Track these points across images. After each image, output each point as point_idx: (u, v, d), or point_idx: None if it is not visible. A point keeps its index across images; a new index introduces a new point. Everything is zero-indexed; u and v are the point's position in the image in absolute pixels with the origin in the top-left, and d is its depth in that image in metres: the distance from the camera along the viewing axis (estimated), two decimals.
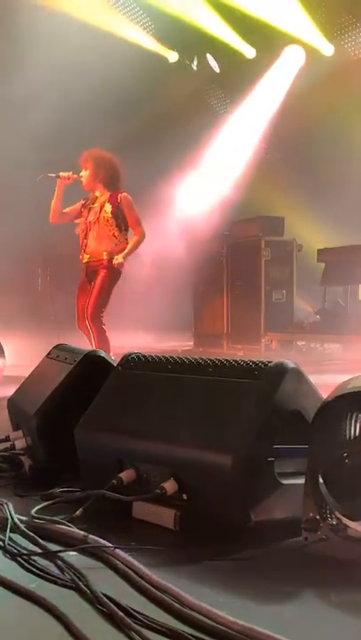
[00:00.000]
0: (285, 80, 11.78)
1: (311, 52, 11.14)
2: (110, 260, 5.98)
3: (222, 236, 10.56)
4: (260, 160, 13.21)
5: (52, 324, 10.10)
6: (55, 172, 6.07)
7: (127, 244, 6.03)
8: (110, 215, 6.00)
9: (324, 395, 2.16)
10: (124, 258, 5.98)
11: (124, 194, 6.06)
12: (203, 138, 12.42)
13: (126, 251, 6.00)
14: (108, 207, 6.01)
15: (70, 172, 6.07)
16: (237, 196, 11.83)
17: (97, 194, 6.11)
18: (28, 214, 9.94)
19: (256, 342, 9.81)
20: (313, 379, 2.41)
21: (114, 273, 6.02)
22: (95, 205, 6.08)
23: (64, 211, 6.20)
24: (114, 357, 3.15)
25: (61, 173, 6.04)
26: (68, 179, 6.04)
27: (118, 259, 5.94)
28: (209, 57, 12.48)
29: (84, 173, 6.08)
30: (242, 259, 10.16)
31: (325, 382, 2.50)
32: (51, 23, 10.40)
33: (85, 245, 6.08)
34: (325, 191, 11.05)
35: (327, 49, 10.99)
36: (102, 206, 6.03)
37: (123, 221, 6.03)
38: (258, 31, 10.99)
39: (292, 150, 12.43)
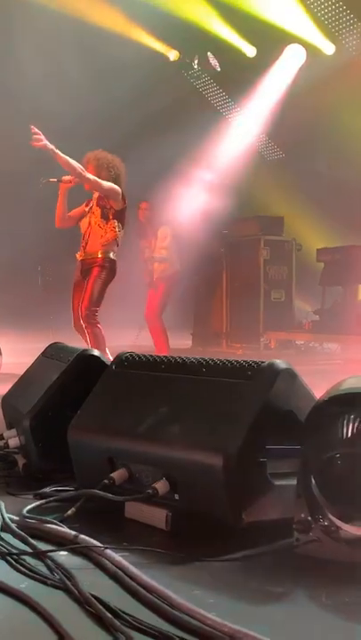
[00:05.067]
0: (286, 79, 11.77)
1: (312, 51, 11.14)
2: (104, 258, 5.95)
3: (221, 234, 10.55)
4: (261, 159, 13.21)
5: (51, 322, 10.11)
6: (57, 177, 6.02)
7: (114, 233, 5.96)
8: (95, 206, 5.99)
9: (321, 395, 2.15)
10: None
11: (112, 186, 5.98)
12: (203, 136, 12.42)
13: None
14: (96, 199, 6.00)
15: (72, 176, 6.04)
16: (237, 194, 11.83)
17: (97, 194, 6.07)
18: (28, 212, 9.96)
19: (255, 341, 9.81)
20: (311, 378, 2.40)
21: (108, 271, 5.98)
22: (94, 205, 6.06)
23: (68, 214, 6.17)
24: (110, 356, 3.14)
25: (64, 177, 5.99)
26: (70, 182, 5.98)
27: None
28: (210, 55, 12.47)
29: None
30: (241, 258, 10.15)
31: (323, 382, 2.49)
32: (49, 21, 10.38)
33: (85, 243, 6.05)
34: (325, 191, 11.05)
35: (328, 48, 10.97)
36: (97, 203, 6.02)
37: (107, 210, 5.98)
38: (258, 30, 10.98)
39: (293, 150, 12.43)
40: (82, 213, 6.15)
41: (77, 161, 5.97)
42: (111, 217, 5.98)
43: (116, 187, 5.93)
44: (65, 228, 6.31)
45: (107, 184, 5.88)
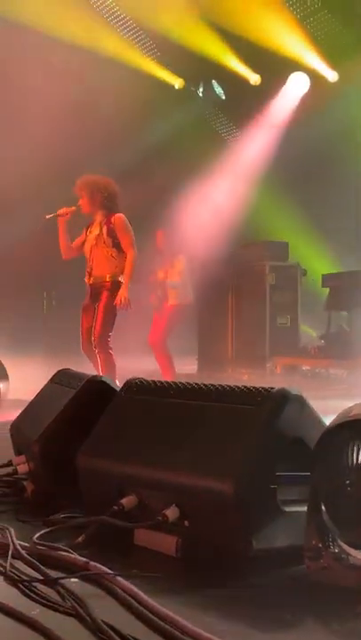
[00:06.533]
0: (290, 106, 11.89)
1: (316, 79, 11.26)
2: (113, 282, 6.02)
3: (227, 260, 10.59)
4: (265, 185, 13.29)
5: (58, 348, 10.12)
6: (52, 213, 6.10)
7: (127, 263, 6.05)
8: (107, 237, 6.05)
9: (329, 421, 2.16)
10: (127, 287, 5.98)
11: (117, 215, 6.10)
12: (208, 163, 12.50)
13: (125, 281, 6.00)
14: (104, 229, 6.07)
15: (65, 207, 6.10)
16: (242, 220, 11.89)
17: (98, 218, 6.15)
18: (32, 238, 10.02)
19: (261, 367, 9.78)
20: (318, 404, 2.40)
21: (116, 295, 6.03)
22: (95, 229, 6.13)
23: (72, 245, 6.24)
24: (118, 382, 3.15)
25: (59, 211, 6.08)
26: (66, 214, 6.09)
27: (123, 294, 5.95)
28: (214, 83, 12.61)
29: (82, 201, 6.13)
30: (246, 283, 10.17)
31: (330, 408, 2.50)
32: (55, 51, 10.52)
33: (90, 268, 6.12)
34: (330, 216, 11.11)
35: (331, 75, 11.09)
36: (101, 229, 6.08)
37: (118, 242, 6.06)
38: (262, 58, 11.13)
39: (297, 176, 12.51)
40: (84, 240, 6.22)
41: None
42: (124, 248, 6.06)
43: (132, 238, 6.08)
44: (72, 258, 6.38)
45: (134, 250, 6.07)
